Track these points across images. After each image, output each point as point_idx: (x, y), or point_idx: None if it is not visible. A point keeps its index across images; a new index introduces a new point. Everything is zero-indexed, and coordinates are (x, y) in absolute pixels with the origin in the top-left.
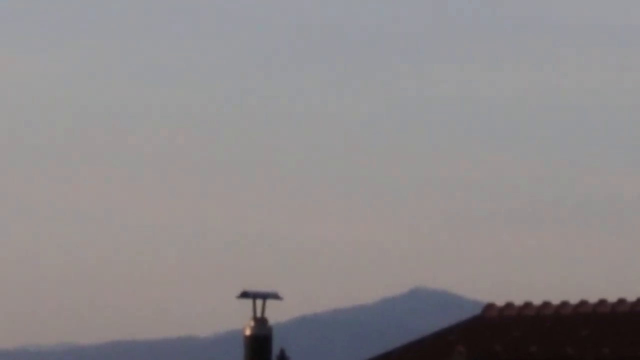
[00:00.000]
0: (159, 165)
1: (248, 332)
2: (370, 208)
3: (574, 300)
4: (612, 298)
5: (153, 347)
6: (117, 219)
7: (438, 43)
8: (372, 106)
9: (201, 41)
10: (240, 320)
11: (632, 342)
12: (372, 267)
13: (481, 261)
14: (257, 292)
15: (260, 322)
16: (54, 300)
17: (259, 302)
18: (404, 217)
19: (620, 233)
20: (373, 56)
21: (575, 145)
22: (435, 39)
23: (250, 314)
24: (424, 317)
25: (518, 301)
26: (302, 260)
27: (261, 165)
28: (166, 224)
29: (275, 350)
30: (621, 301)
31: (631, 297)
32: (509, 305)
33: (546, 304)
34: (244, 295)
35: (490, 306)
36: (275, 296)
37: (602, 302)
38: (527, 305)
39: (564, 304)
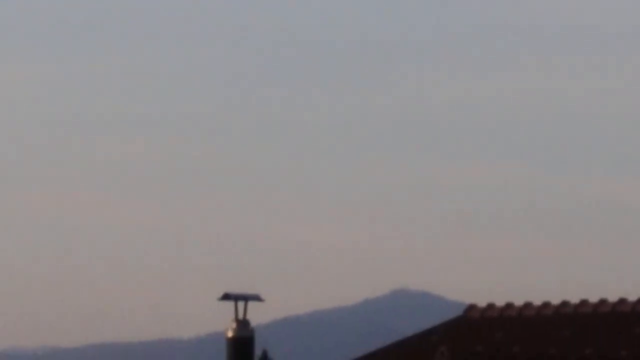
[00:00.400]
0: (140, 169)
1: (230, 333)
2: (352, 210)
3: (555, 301)
4: (593, 299)
5: (135, 349)
6: (99, 222)
7: (423, 49)
8: (354, 110)
9: (176, 47)
10: (222, 322)
11: (614, 342)
12: (353, 268)
13: (463, 263)
14: (238, 294)
15: (242, 324)
16: (35, 302)
17: (240, 304)
18: (386, 219)
19: (601, 236)
20: (358, 61)
21: (558, 150)
22: (420, 45)
23: (232, 315)
24: (405, 318)
25: (500, 302)
26: (283, 262)
27: (243, 168)
28: (148, 226)
29: (258, 352)
30: (603, 302)
31: (612, 298)
32: (491, 306)
33: (528, 305)
34: (226, 297)
35: (472, 307)
36: (257, 298)
37: (583, 303)
38: (509, 306)
39: (546, 305)
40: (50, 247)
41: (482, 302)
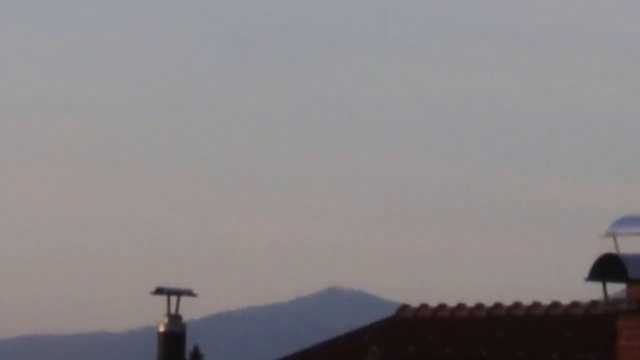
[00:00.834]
0: (73, 156)
1: (162, 328)
2: (287, 206)
3: (488, 302)
4: (526, 301)
5: (66, 342)
6: (29, 212)
7: (367, 41)
8: (291, 102)
9: (112, 33)
10: (154, 316)
11: (546, 345)
12: (287, 265)
13: (397, 262)
14: (171, 288)
15: (174, 319)
16: None
17: (173, 298)
18: (320, 216)
19: (536, 237)
20: (295, 54)
21: (493, 148)
22: (364, 37)
23: (164, 310)
24: (338, 316)
25: (433, 303)
26: (217, 258)
27: (176, 160)
28: (80, 218)
29: (189, 347)
30: (536, 304)
31: (545, 301)
32: (424, 307)
33: (461, 306)
34: (158, 291)
35: (405, 307)
36: (189, 293)
37: (516, 305)
38: (442, 307)
39: (479, 307)
40: None
41: (415, 303)
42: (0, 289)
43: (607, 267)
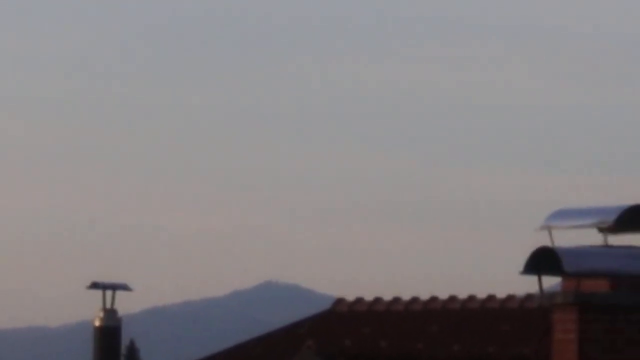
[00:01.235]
0: (9, 152)
1: (97, 323)
2: (223, 201)
3: (424, 296)
4: (462, 295)
5: (3, 337)
6: None
7: (306, 40)
8: (225, 97)
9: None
10: (90, 311)
11: (482, 338)
12: (223, 260)
13: (333, 256)
14: (106, 283)
15: (110, 313)
16: None
17: (108, 293)
18: (256, 211)
19: (471, 231)
20: (237, 52)
21: (433, 144)
22: (307, 32)
23: (100, 304)
24: (275, 310)
25: (368, 296)
26: (153, 252)
27: (113, 155)
28: (15, 212)
29: (125, 341)
30: (471, 298)
31: (481, 294)
32: (359, 301)
33: (396, 300)
34: (94, 286)
35: (340, 301)
36: (125, 287)
37: (452, 299)
38: (378, 300)
39: (414, 300)
40: None
41: (350, 296)
42: None
43: (542, 261)
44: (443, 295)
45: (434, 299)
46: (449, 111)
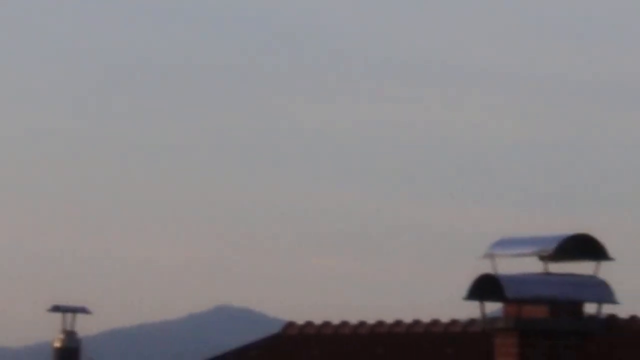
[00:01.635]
0: None
1: (57, 344)
2: (178, 228)
3: (371, 320)
4: (407, 319)
5: None
6: None
7: (268, 75)
8: (185, 126)
9: None
10: (50, 332)
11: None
12: (179, 283)
13: (284, 282)
14: (67, 306)
15: (70, 335)
16: None
17: (69, 315)
18: (210, 238)
19: (418, 260)
20: (193, 86)
21: (382, 179)
22: (264, 71)
23: (60, 326)
24: (228, 333)
25: (318, 320)
26: (112, 278)
27: (72, 179)
28: None
29: None
30: (416, 322)
31: (426, 319)
32: (309, 324)
33: (344, 324)
34: (55, 309)
35: (290, 324)
36: (84, 310)
37: (398, 323)
38: (326, 324)
39: (362, 324)
40: None
41: (300, 320)
42: None
43: (484, 287)
44: (389, 319)
45: (380, 323)
46: (397, 147)
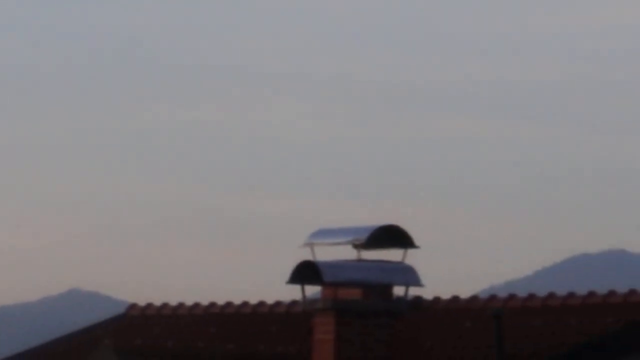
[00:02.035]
0: None
1: None
2: (34, 215)
3: (204, 301)
4: (236, 301)
5: None
6: None
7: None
8: (62, 128)
9: None
10: None
11: (254, 338)
12: (35, 267)
13: (128, 266)
14: None
15: None
16: None
17: None
18: (62, 226)
19: (248, 247)
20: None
21: (220, 173)
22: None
23: None
24: (79, 314)
25: (158, 302)
26: None
27: None
28: None
29: None
30: (245, 303)
31: (253, 300)
32: (150, 305)
33: (181, 305)
34: None
35: (133, 306)
36: None
37: (228, 304)
38: (165, 305)
39: (196, 305)
40: None
41: (142, 301)
42: None
43: (305, 272)
44: (221, 301)
45: (213, 304)
46: (227, 146)
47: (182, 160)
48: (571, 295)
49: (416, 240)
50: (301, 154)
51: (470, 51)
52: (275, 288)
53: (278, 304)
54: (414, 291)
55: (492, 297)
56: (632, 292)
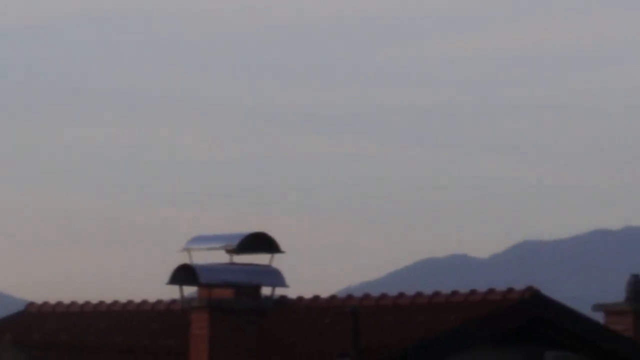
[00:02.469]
0: None
1: None
2: None
3: (94, 300)
4: (123, 299)
5: None
6: None
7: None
8: None
9: None
10: None
11: (138, 333)
12: None
13: (28, 268)
14: None
15: None
16: None
17: None
18: None
19: (130, 252)
20: None
21: (124, 187)
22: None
23: None
24: None
25: (53, 300)
26: None
27: None
28: None
29: None
30: (130, 302)
31: (137, 299)
32: (46, 304)
33: (74, 303)
34: None
35: (31, 304)
36: None
37: (115, 302)
38: (60, 303)
39: (87, 303)
40: None
41: (40, 300)
42: None
43: (183, 274)
44: (109, 299)
45: (102, 302)
46: (113, 163)
47: (78, 174)
48: (419, 294)
49: (282, 245)
50: (183, 170)
51: (341, 78)
52: (157, 288)
53: (159, 302)
54: (279, 291)
55: (349, 297)
56: (472, 292)
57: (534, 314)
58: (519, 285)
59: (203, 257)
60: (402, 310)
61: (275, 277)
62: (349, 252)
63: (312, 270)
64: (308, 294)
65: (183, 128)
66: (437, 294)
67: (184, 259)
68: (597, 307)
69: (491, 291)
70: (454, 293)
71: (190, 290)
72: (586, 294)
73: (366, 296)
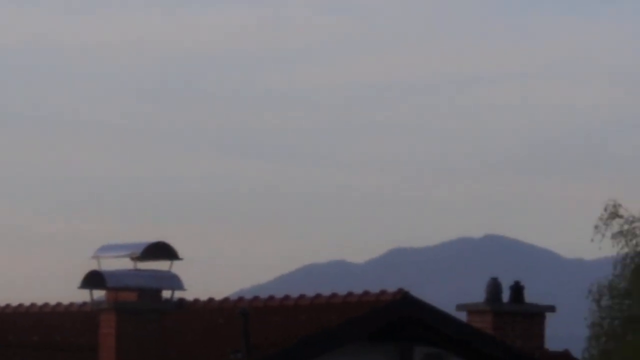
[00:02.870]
0: None
1: None
2: None
3: (14, 303)
4: (40, 302)
5: None
6: None
7: None
8: None
9: None
10: None
11: (53, 331)
12: None
13: None
14: None
15: None
16: None
17: None
18: None
19: (47, 259)
20: None
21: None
22: None
23: None
24: None
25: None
26: None
27: None
28: None
29: None
30: (45, 304)
31: (53, 302)
32: None
33: (20, 305)
34: None
35: None
36: None
37: (33, 304)
38: (7, 305)
39: (7, 305)
40: None
41: None
42: None
43: (92, 279)
44: (27, 302)
45: (21, 305)
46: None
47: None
48: (302, 297)
49: (180, 253)
50: (91, 185)
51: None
52: (69, 292)
53: (72, 304)
54: (178, 294)
55: (240, 299)
56: (349, 294)
57: (405, 314)
58: (392, 287)
59: (110, 264)
60: (288, 311)
61: (175, 282)
62: (242, 258)
63: (207, 275)
64: (204, 297)
65: (92, 148)
66: (318, 296)
67: (93, 266)
68: (460, 307)
69: (366, 293)
70: (333, 295)
71: (99, 294)
72: (451, 295)
73: (255, 298)
